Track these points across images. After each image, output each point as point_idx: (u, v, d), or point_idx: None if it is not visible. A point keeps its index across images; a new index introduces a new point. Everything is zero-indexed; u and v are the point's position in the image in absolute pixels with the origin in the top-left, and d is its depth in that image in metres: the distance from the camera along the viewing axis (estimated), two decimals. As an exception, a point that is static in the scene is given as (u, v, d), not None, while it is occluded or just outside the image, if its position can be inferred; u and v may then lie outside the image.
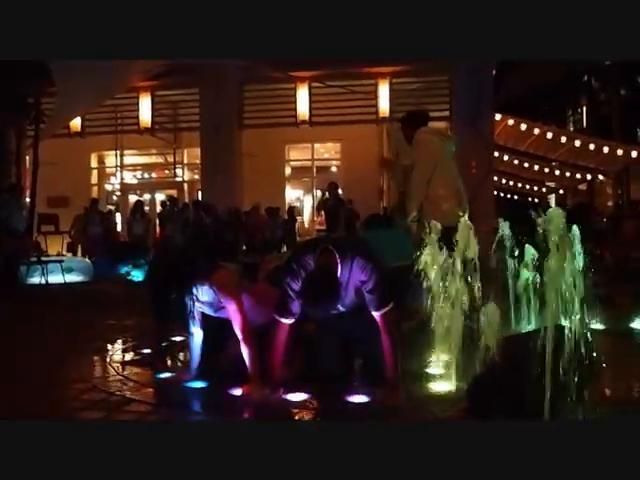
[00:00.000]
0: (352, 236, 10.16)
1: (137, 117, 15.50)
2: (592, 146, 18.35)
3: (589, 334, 2.67)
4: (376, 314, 3.28)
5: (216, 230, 12.52)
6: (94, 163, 17.68)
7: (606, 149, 18.15)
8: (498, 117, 15.80)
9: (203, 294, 3.53)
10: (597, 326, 5.08)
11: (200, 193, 15.62)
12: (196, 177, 16.91)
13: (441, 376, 3.59)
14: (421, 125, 5.01)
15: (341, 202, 12.55)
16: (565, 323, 2.60)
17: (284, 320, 3.34)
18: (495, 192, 16.67)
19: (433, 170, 4.77)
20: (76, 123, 15.30)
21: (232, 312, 3.43)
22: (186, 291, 3.48)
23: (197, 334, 3.70)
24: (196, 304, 3.56)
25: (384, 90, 14.51)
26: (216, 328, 3.66)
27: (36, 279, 9.51)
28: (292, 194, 17.36)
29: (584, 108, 29.51)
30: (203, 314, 3.68)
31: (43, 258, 10.17)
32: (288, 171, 16.97)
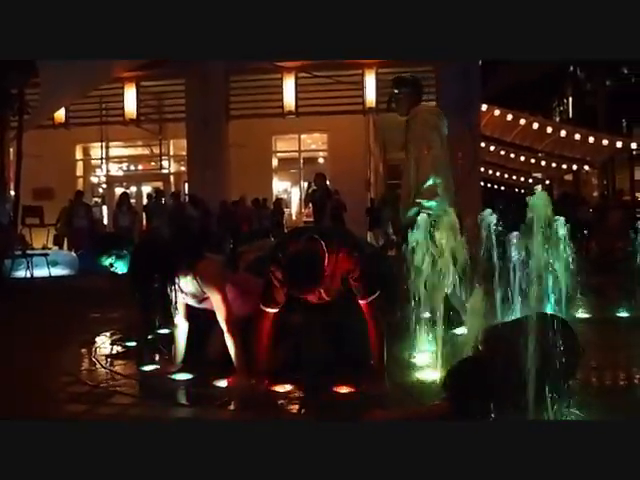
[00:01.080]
0: (338, 226, 10.17)
1: (122, 108, 15.37)
2: (578, 136, 18.50)
3: (573, 323, 2.68)
4: (362, 303, 3.27)
5: (201, 222, 12.45)
6: (79, 155, 17.56)
7: (591, 139, 18.29)
8: (484, 107, 15.83)
9: (187, 285, 3.50)
10: (583, 315, 5.13)
11: (187, 185, 15.53)
12: (182, 169, 16.82)
13: (427, 366, 3.60)
14: (418, 96, 4.48)
15: (328, 193, 12.52)
16: (550, 311, 2.61)
17: (269, 309, 3.31)
18: (481, 183, 16.73)
19: None
20: (60, 114, 15.13)
21: (216, 303, 3.41)
22: (168, 282, 3.44)
23: (182, 325, 3.68)
24: (180, 295, 3.54)
25: (371, 80, 14.49)
26: (200, 319, 3.64)
27: (21, 272, 9.41)
28: (279, 186, 17.30)
29: (570, 99, 29.68)
30: (187, 305, 3.65)
31: (28, 251, 10.08)
32: (275, 162, 16.91)
